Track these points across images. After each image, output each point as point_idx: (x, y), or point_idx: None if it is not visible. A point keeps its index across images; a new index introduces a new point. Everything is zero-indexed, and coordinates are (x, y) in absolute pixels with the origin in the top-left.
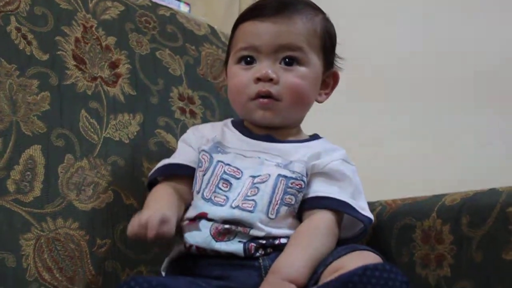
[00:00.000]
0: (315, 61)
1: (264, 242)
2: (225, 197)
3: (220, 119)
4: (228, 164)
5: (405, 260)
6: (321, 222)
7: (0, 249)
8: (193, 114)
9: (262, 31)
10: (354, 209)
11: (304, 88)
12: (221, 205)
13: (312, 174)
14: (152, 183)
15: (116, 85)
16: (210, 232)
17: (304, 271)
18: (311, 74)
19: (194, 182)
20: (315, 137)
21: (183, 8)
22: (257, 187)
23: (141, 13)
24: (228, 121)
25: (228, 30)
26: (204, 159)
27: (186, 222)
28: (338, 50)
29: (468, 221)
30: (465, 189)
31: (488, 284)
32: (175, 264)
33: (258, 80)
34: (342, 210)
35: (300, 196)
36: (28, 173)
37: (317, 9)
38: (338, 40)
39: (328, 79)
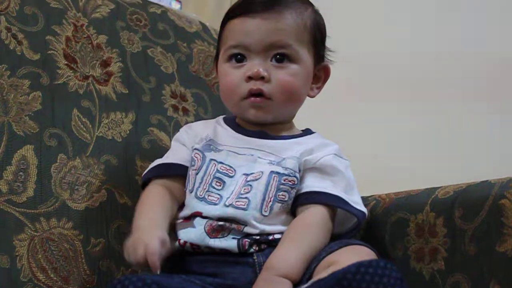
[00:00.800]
0: (306, 56)
1: (258, 238)
2: (218, 196)
3: (213, 116)
4: (221, 162)
5: (399, 254)
6: (314, 217)
7: None
8: (186, 111)
9: (252, 29)
10: (347, 203)
11: (296, 85)
12: (215, 204)
13: (304, 169)
14: (145, 183)
15: (108, 83)
16: (204, 229)
17: (298, 267)
18: (303, 71)
19: (187, 180)
20: (307, 132)
21: (174, 6)
22: (250, 185)
23: (132, 11)
24: (220, 118)
25: (219, 27)
26: (197, 157)
27: (180, 221)
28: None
29: (461, 214)
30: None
31: (481, 276)
32: (169, 262)
33: (250, 78)
34: (335, 205)
35: (293, 192)
36: (21, 173)
37: (306, 2)
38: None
39: (319, 73)
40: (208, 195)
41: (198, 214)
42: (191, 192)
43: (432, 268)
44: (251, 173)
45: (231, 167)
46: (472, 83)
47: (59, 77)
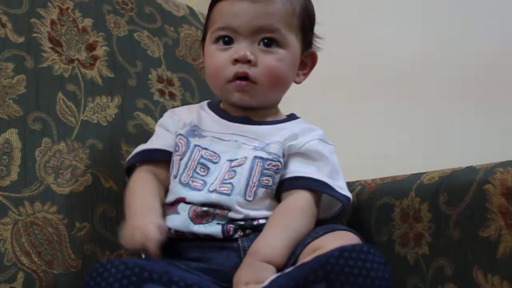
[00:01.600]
0: (294, 42)
1: (242, 223)
2: (202, 182)
3: (200, 101)
4: (206, 148)
5: (384, 239)
6: (298, 202)
7: None
8: (172, 96)
9: (240, 12)
10: (332, 188)
11: (282, 71)
12: (199, 190)
13: (289, 154)
14: (129, 168)
15: (93, 67)
16: (188, 215)
17: (282, 252)
18: (290, 56)
19: (171, 166)
20: (292, 117)
21: None
22: (234, 170)
23: None
24: (204, 103)
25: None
26: (181, 143)
27: (165, 206)
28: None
29: (446, 199)
30: None
31: (465, 261)
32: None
33: (236, 61)
34: (320, 190)
35: (277, 177)
36: (5, 157)
37: None
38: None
39: (306, 59)
40: (192, 181)
41: (181, 200)
42: (175, 178)
43: (417, 253)
44: (235, 159)
45: (215, 153)
46: (460, 82)
47: (44, 61)
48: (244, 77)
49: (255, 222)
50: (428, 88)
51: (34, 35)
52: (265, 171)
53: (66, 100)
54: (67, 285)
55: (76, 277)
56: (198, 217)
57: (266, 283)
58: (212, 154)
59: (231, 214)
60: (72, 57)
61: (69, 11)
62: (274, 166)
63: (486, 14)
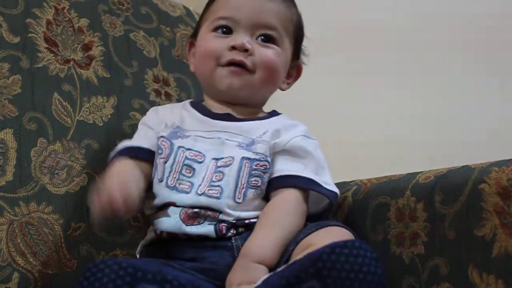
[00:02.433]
0: (288, 46)
1: (234, 221)
2: (189, 183)
3: None
4: (190, 149)
5: (380, 239)
6: (287, 201)
7: None
8: (168, 96)
9: (245, 4)
10: (319, 185)
11: (278, 65)
12: (187, 192)
13: (274, 152)
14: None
15: (89, 67)
16: (180, 217)
17: (272, 251)
18: (284, 56)
19: (154, 169)
20: (274, 113)
21: None
22: (222, 172)
23: None
24: (187, 103)
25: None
26: (164, 145)
27: (154, 211)
28: None
29: (441, 198)
30: None
31: (460, 260)
32: (148, 248)
33: (233, 48)
34: (307, 187)
35: (266, 177)
36: (0, 157)
37: (294, 2)
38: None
39: (292, 70)
40: (179, 184)
41: (171, 204)
42: (160, 181)
43: (412, 252)
44: (221, 158)
45: (199, 152)
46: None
47: (40, 61)
48: (239, 64)
49: (247, 221)
50: None
51: (29, 35)
52: (253, 171)
53: (62, 100)
54: (62, 286)
55: (71, 277)
56: (190, 219)
57: (258, 283)
58: (197, 153)
59: (222, 216)
60: (67, 57)
61: (65, 11)
62: (262, 166)
63: None
